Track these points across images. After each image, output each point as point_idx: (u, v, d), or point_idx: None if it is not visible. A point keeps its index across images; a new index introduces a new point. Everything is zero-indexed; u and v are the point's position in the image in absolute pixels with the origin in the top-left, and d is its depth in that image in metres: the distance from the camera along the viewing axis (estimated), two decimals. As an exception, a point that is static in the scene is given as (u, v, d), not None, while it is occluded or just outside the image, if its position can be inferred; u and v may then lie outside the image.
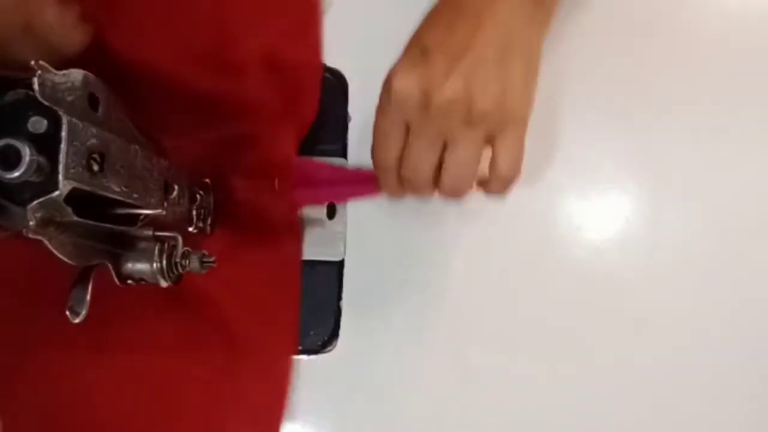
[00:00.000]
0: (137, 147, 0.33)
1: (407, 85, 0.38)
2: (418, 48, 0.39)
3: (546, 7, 0.41)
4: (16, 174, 0.26)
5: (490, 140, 0.40)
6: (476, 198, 0.47)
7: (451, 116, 0.39)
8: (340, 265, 0.47)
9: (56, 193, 0.27)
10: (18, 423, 0.43)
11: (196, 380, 0.44)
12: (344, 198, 0.47)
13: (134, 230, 0.35)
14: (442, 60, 0.38)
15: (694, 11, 0.49)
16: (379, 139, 0.41)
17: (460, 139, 0.39)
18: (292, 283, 0.46)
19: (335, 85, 0.50)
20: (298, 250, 0.47)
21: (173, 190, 0.37)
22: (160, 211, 0.35)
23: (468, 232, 0.47)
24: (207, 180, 0.44)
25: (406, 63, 0.39)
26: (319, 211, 0.48)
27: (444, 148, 0.40)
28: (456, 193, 0.41)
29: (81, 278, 0.33)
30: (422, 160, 0.40)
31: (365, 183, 0.45)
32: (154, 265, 0.35)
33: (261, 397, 0.45)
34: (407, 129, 0.40)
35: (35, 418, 0.43)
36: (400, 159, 0.41)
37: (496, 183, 0.41)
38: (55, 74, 0.28)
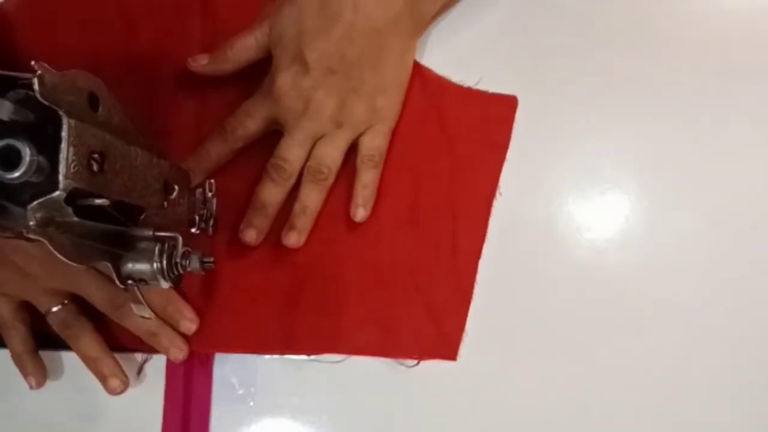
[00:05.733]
0: (137, 147, 0.33)
1: (289, 92, 0.42)
2: (299, 59, 0.41)
3: (420, 8, 0.43)
4: (17, 174, 0.26)
5: (357, 135, 0.44)
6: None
7: (325, 122, 0.42)
8: (340, 265, 0.47)
9: (56, 193, 0.27)
10: None
11: None
12: None
13: (134, 230, 0.35)
14: (320, 73, 0.41)
15: (695, 11, 0.49)
16: (239, 114, 0.44)
17: (329, 137, 0.43)
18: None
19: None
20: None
21: (173, 190, 0.37)
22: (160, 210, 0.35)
23: (468, 232, 0.47)
24: (211, 180, 0.44)
25: (290, 71, 0.42)
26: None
27: (313, 145, 0.43)
28: (316, 179, 0.43)
29: None
30: (292, 155, 0.43)
31: None
32: (154, 265, 0.35)
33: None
34: (267, 122, 0.43)
35: None
36: (274, 156, 0.43)
37: (362, 165, 0.44)
38: (55, 74, 0.28)
